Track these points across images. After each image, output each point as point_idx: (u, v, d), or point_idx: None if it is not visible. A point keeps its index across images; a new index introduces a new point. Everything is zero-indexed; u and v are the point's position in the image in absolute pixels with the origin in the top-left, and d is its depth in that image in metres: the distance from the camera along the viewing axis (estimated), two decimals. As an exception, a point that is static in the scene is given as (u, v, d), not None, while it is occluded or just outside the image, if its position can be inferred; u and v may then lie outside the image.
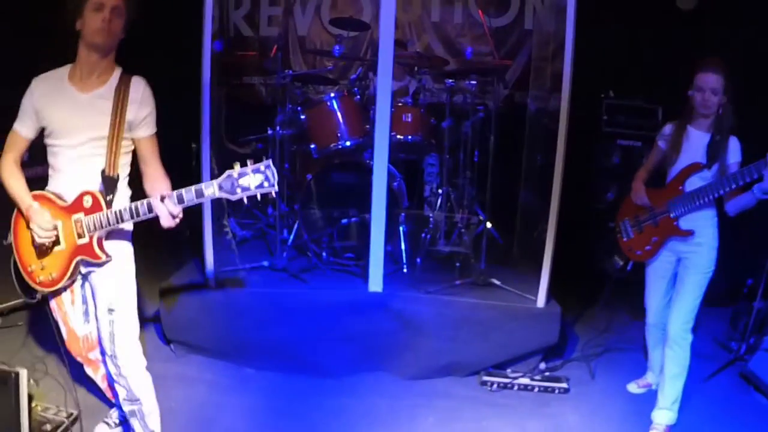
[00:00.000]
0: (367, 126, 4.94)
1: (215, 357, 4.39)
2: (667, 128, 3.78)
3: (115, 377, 3.12)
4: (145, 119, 3.05)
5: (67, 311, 3.23)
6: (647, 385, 4.20)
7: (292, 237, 5.04)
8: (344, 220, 4.92)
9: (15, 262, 3.10)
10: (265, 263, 4.89)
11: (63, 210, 2.97)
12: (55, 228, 2.95)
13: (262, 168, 2.73)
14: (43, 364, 4.01)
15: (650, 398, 3.92)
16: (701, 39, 5.77)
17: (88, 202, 2.93)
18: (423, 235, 5.22)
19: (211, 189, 2.76)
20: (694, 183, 3.58)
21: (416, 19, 7.07)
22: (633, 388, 4.24)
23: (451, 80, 5.30)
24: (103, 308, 3.07)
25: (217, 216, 4.57)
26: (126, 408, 3.17)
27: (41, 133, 3.02)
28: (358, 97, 5.11)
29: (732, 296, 5.25)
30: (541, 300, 4.42)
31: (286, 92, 5.31)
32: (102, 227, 2.91)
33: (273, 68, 5.24)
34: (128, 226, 3.15)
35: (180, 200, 2.81)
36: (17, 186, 3.02)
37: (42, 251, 3.01)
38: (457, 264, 4.98)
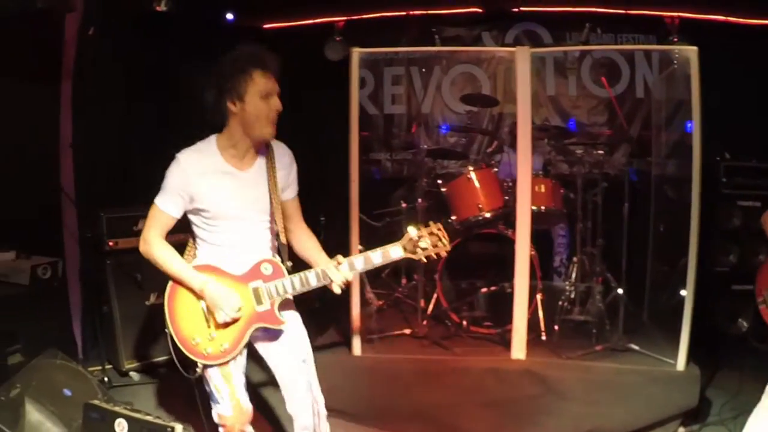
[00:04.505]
0: (506, 197, 5.10)
1: (356, 421, 4.46)
2: None
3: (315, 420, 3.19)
4: (292, 182, 3.18)
5: (236, 384, 3.06)
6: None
7: (431, 306, 5.17)
8: (483, 289, 5.05)
9: (172, 338, 2.99)
10: (407, 331, 5.06)
11: (237, 280, 2.97)
12: (240, 308, 2.93)
13: (435, 230, 3.04)
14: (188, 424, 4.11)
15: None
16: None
17: (267, 269, 2.99)
18: (559, 303, 5.28)
19: (397, 251, 3.02)
20: None
21: (532, 94, 7.27)
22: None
23: (580, 150, 5.40)
24: (298, 360, 3.12)
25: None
26: None
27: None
28: (495, 169, 5.28)
29: None
30: (681, 363, 4.40)
31: (420, 166, 5.55)
32: (286, 293, 2.98)
33: (406, 143, 5.47)
34: None
35: (355, 264, 3.01)
36: (178, 263, 2.97)
37: (211, 323, 2.97)
38: (594, 330, 4.99)
